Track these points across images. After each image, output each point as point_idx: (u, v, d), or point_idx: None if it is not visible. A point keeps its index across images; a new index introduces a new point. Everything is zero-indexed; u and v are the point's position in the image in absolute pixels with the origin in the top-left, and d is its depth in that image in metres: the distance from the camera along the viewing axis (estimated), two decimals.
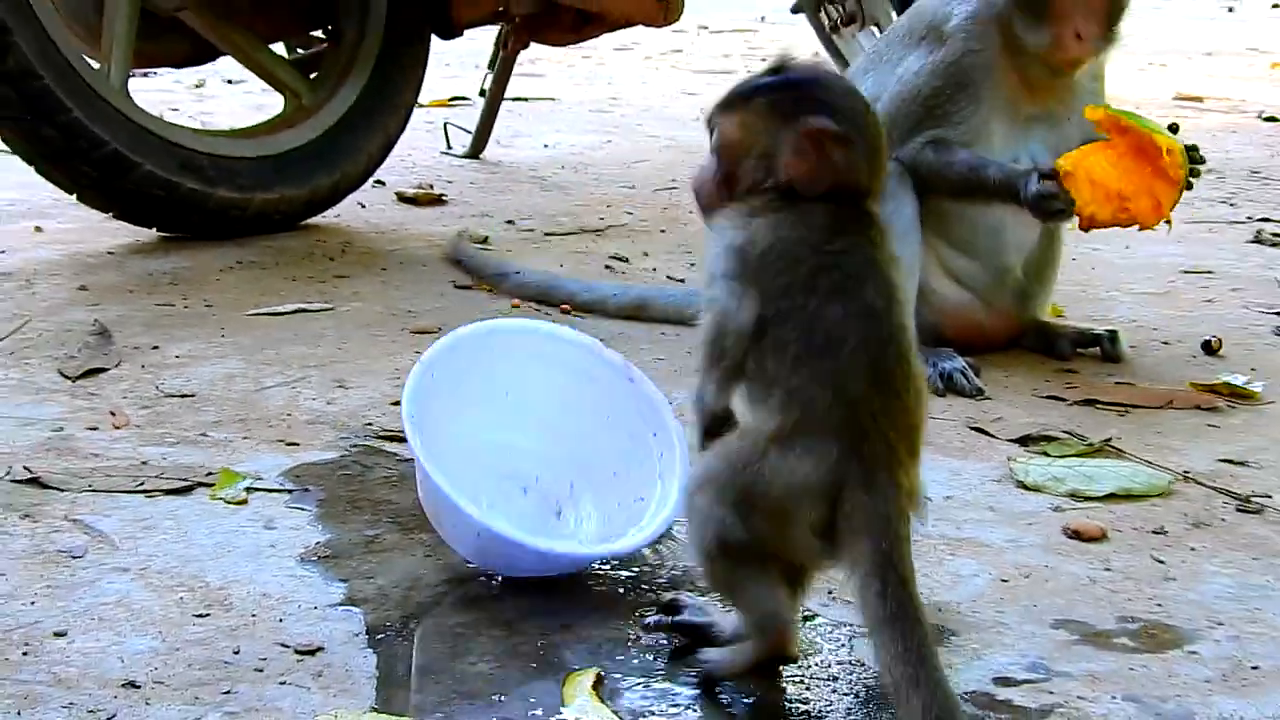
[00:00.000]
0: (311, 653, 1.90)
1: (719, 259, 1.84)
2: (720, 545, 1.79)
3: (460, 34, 4.66)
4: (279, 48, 4.59)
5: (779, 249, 1.81)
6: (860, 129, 1.85)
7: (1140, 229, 3.02)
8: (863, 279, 1.80)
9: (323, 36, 4.51)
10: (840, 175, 1.83)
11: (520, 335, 2.37)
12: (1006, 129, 3.14)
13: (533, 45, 5.38)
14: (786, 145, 1.82)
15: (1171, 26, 13.65)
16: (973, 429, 2.81)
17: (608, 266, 3.99)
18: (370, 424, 2.73)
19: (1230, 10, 17.05)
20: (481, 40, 5.72)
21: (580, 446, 2.31)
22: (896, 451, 1.75)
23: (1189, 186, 3.06)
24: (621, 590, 2.11)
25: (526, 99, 6.97)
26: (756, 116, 1.86)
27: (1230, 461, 2.67)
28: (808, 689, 1.85)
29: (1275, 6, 17.84)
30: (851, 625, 2.01)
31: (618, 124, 6.57)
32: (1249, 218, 4.87)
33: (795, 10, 6.12)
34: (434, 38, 4.54)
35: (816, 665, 1.91)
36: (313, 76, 4.38)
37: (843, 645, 1.97)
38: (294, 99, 4.30)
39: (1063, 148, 3.15)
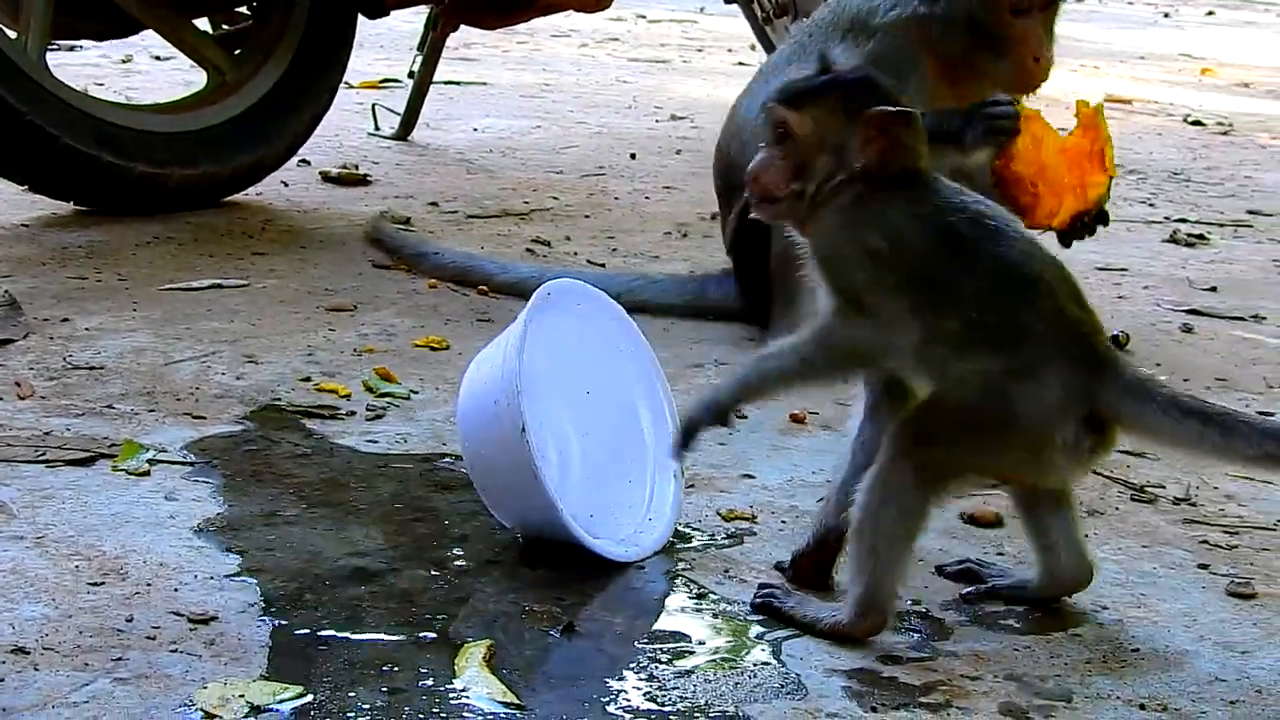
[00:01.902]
0: (205, 622, 1.91)
1: (850, 269, 2.01)
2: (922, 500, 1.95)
3: (386, 13, 4.65)
4: (203, 23, 4.57)
5: (912, 227, 1.99)
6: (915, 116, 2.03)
7: (1028, 221, 3.04)
8: (989, 219, 2.00)
9: (248, 13, 4.50)
10: (907, 157, 2.01)
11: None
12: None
13: (466, 29, 5.38)
14: (859, 135, 2.00)
15: (1106, 32, 13.79)
16: None
17: (529, 250, 4.01)
18: (278, 399, 2.73)
19: (1166, 16, 17.23)
20: (417, 22, 5.72)
21: (582, 402, 2.40)
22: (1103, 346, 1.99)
23: (1092, 231, 3.16)
24: (517, 566, 2.13)
25: (459, 83, 6.96)
26: (828, 111, 2.03)
27: (1128, 452, 2.71)
28: (707, 670, 1.88)
29: (1209, 14, 18.05)
30: (746, 604, 2.04)
31: (549, 110, 6.58)
32: (1166, 218, 4.94)
33: (729, 1, 6.15)
34: (362, 18, 4.53)
35: (718, 647, 1.94)
36: (237, 53, 4.36)
37: (739, 627, 1.99)
38: (217, 75, 4.28)
39: None
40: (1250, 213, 5.19)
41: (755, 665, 1.88)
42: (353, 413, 2.69)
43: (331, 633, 1.91)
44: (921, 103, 3.13)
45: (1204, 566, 2.24)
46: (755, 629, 1.98)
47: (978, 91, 3.12)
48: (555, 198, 4.72)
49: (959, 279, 1.95)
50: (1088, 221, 3.12)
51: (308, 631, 1.92)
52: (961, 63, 3.11)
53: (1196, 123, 7.55)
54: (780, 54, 3.43)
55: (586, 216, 4.49)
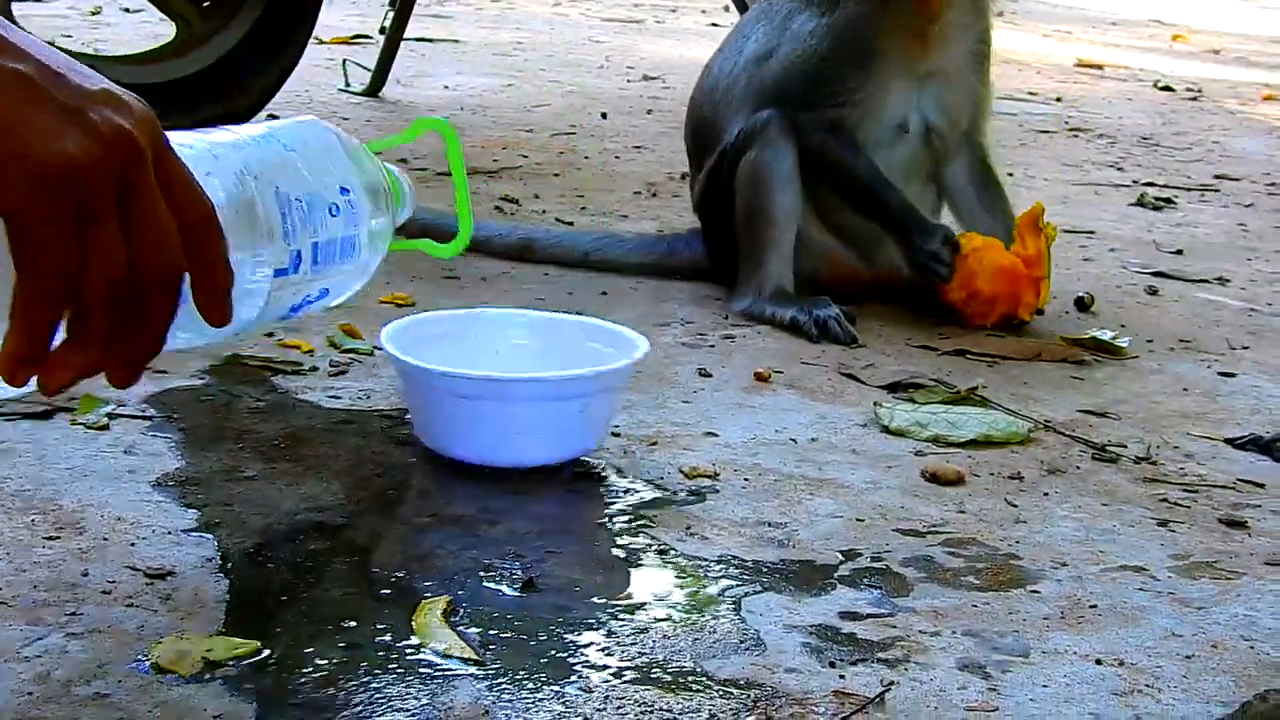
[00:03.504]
0: (162, 576, 1.89)
1: None
2: None
3: None
4: None
5: None
6: None
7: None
8: None
9: None
10: None
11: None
12: (902, 85, 3.16)
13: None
14: None
15: None
16: (844, 375, 2.84)
17: (497, 208, 3.98)
18: (241, 354, 2.71)
19: None
20: None
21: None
22: None
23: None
24: (478, 522, 2.11)
25: (431, 40, 6.93)
26: None
27: (1090, 412, 2.71)
28: (666, 626, 1.86)
29: None
30: (707, 561, 2.02)
31: (521, 68, 6.54)
32: (1134, 181, 4.94)
33: None
34: None
35: (678, 603, 1.92)
36: (205, 5, 4.32)
37: (700, 584, 1.98)
38: (185, 26, 4.24)
39: (952, 106, 3.19)
40: (1217, 177, 5.19)
41: (715, 621, 1.87)
42: (315, 368, 2.67)
43: (290, 588, 1.89)
44: (893, 68, 3.13)
45: (1163, 524, 2.24)
46: (716, 585, 1.96)
47: (912, 29, 3.10)
48: (525, 156, 4.70)
49: None
50: (1015, 324, 3.15)
51: (265, 586, 1.89)
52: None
53: (1166, 88, 7.56)
54: (751, 13, 3.41)
55: (556, 175, 4.46)
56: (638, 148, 4.95)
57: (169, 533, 2.01)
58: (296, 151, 1.63)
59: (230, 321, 1.41)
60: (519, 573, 1.96)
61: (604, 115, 5.50)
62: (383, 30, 5.51)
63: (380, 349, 2.34)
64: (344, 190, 1.66)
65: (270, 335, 2.80)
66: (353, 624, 1.81)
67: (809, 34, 3.16)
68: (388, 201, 1.81)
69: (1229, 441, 2.56)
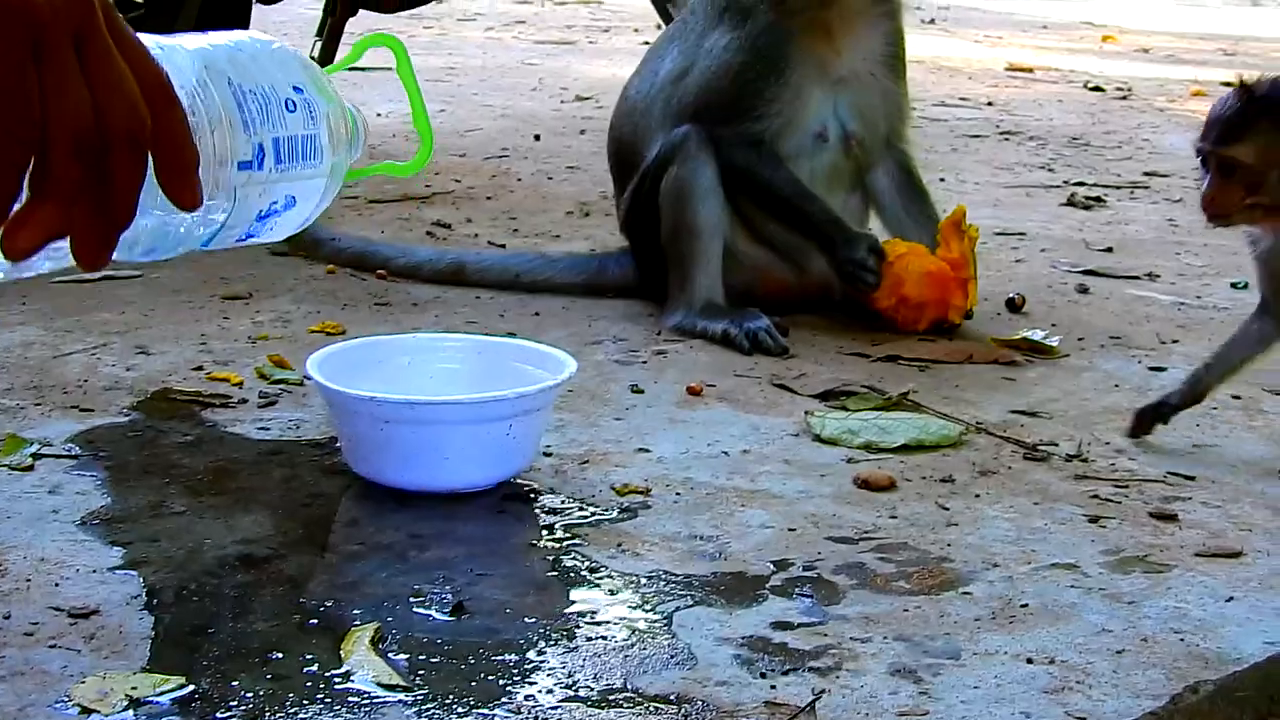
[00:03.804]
0: (85, 616, 1.86)
1: None
2: None
3: None
4: None
5: None
6: None
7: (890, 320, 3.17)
8: None
9: (140, 2, 4.42)
10: None
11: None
12: (817, 94, 3.16)
13: (369, 14, 5.31)
14: None
15: (1009, 2, 13.85)
16: (776, 385, 2.83)
17: (429, 233, 3.96)
18: (169, 388, 2.68)
19: None
20: (318, 8, 5.64)
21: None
22: None
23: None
24: (407, 549, 2.10)
25: (364, 68, 6.89)
26: (1266, 136, 2.27)
27: (1022, 412, 2.71)
28: (597, 644, 1.85)
29: None
30: (638, 577, 2.01)
31: (454, 94, 6.52)
32: (1065, 182, 4.95)
33: None
34: (259, 4, 4.47)
35: (609, 620, 1.91)
36: (138, 15, 4.29)
37: (631, 600, 1.97)
38: None
39: (869, 112, 3.20)
40: (1147, 174, 5.22)
41: (646, 637, 1.86)
42: (245, 400, 2.65)
43: (216, 622, 1.87)
44: (809, 76, 3.14)
45: (1094, 520, 2.24)
46: (647, 601, 1.95)
47: (844, 21, 3.13)
48: (458, 180, 4.68)
49: None
50: (946, 328, 3.17)
51: (191, 621, 1.87)
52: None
53: (1096, 88, 7.59)
54: (665, 34, 3.42)
55: (489, 198, 4.45)
56: (571, 168, 4.94)
57: (93, 571, 1.98)
58: (245, 51, 1.63)
59: (200, 203, 1.39)
60: (448, 597, 1.94)
61: (537, 137, 5.49)
62: (312, 60, 5.49)
63: (309, 378, 2.32)
64: (298, 89, 1.66)
65: (199, 369, 2.78)
66: (280, 655, 1.79)
67: (722, 49, 3.16)
68: (347, 129, 1.79)
69: (1159, 437, 2.56)
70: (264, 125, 1.56)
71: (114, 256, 1.47)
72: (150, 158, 1.25)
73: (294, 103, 1.61)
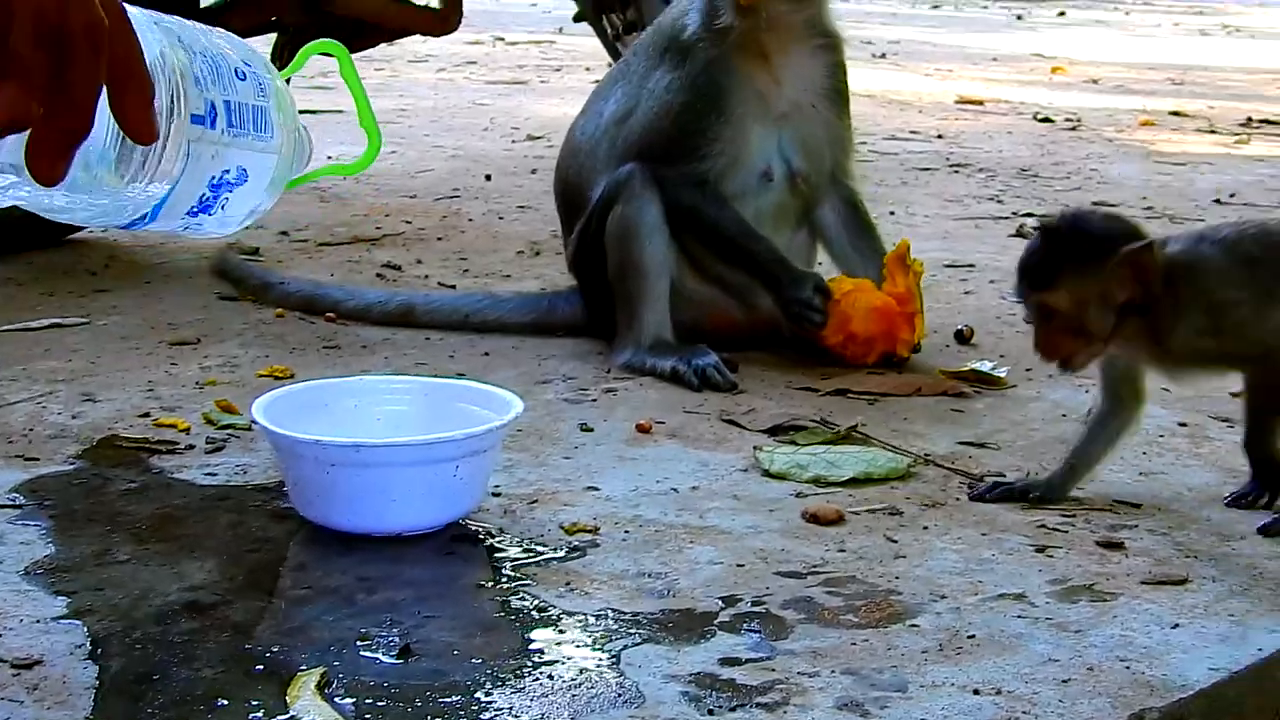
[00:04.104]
0: (29, 666, 1.85)
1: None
2: None
3: None
4: None
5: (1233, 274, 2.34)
6: (1141, 234, 2.33)
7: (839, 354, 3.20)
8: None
9: None
10: (1157, 277, 2.27)
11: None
12: (760, 131, 3.18)
13: (318, 57, 5.32)
14: (1115, 279, 2.26)
15: (960, 35, 13.96)
16: (725, 421, 2.84)
17: (379, 275, 3.97)
18: (116, 435, 2.67)
19: (1019, 18, 17.49)
20: (266, 51, 5.65)
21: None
22: None
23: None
24: (355, 592, 2.09)
25: (315, 111, 6.89)
26: (1075, 278, 2.27)
27: (970, 444, 2.73)
28: (545, 684, 1.85)
29: (1061, 14, 18.36)
30: (586, 615, 2.01)
31: (405, 135, 6.53)
32: (1014, 213, 4.99)
33: (577, 20, 6.15)
34: None
35: (557, 660, 1.91)
36: None
37: (579, 639, 1.97)
38: None
39: (813, 148, 3.22)
40: (1095, 204, 5.25)
41: (593, 676, 1.86)
42: (192, 446, 2.64)
43: (161, 670, 1.86)
44: (751, 113, 3.16)
45: (1041, 550, 2.25)
46: (595, 639, 1.95)
47: (777, 50, 3.16)
48: (408, 222, 4.68)
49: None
50: (896, 361, 3.19)
51: (136, 670, 1.86)
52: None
53: (1046, 120, 7.66)
54: (608, 76, 3.44)
55: (439, 239, 4.45)
56: (522, 207, 4.95)
57: (37, 621, 1.97)
58: (195, 26, 1.64)
59: (156, 136, 1.41)
60: (395, 640, 1.94)
61: (488, 177, 5.50)
62: None
63: (255, 423, 2.32)
64: (247, 64, 1.67)
65: (146, 416, 2.77)
66: (225, 703, 1.79)
67: (664, 89, 3.18)
68: (296, 116, 1.80)
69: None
70: (215, 85, 1.59)
71: (72, 220, 1.50)
72: (106, 91, 1.29)
73: (244, 73, 1.64)
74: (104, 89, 1.29)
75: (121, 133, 1.37)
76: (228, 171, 1.63)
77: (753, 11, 3.10)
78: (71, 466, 2.53)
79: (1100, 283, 2.27)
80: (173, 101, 1.51)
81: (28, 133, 1.27)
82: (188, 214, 1.62)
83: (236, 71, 1.65)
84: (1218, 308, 2.33)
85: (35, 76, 1.23)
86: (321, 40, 1.96)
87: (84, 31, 1.26)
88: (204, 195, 1.62)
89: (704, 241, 3.18)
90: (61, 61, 1.25)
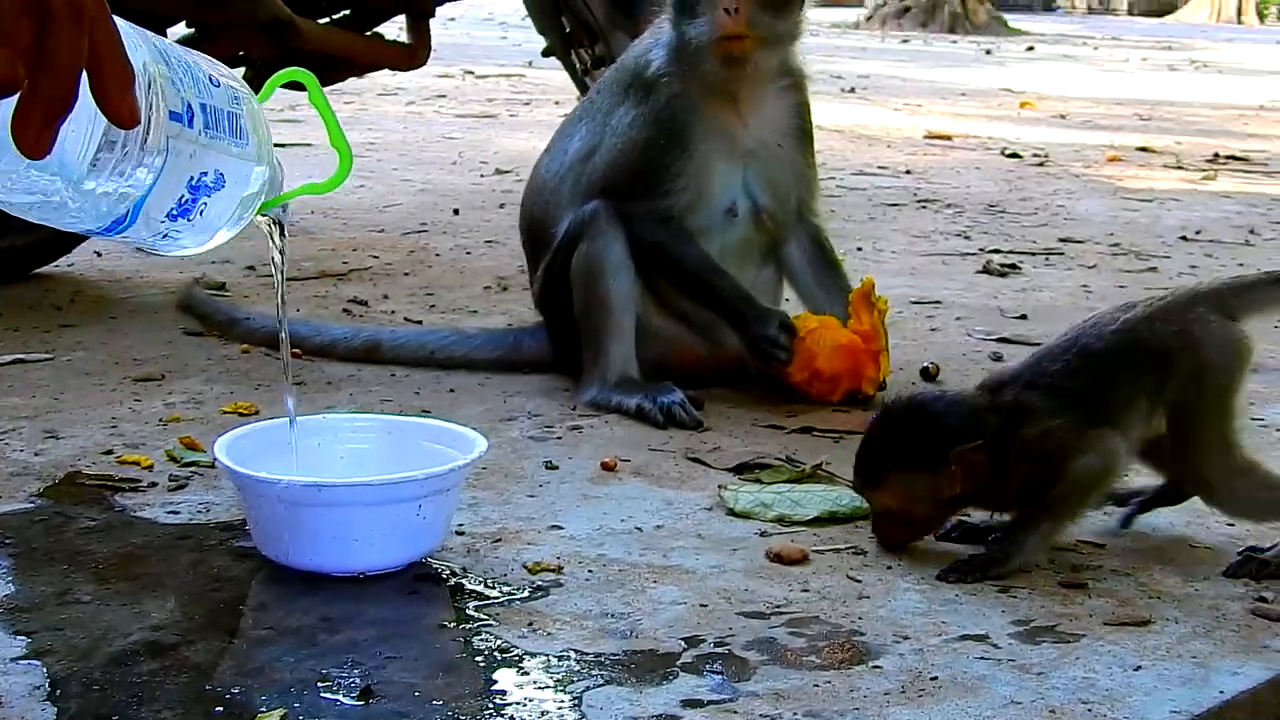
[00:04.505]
0: None
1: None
2: None
3: None
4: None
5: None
6: (976, 425, 2.30)
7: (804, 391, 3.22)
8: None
9: None
10: (987, 470, 2.28)
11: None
12: (725, 167, 3.20)
13: (286, 91, 5.33)
14: (946, 477, 2.28)
15: (930, 70, 14.05)
16: (690, 459, 2.84)
17: (346, 310, 3.97)
18: (78, 473, 2.66)
19: (988, 53, 17.63)
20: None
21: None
22: None
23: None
24: (316, 632, 2.09)
25: (283, 145, 6.89)
26: (908, 475, 2.31)
27: None
28: None
29: (1029, 50, 18.48)
30: (549, 656, 2.01)
31: (373, 169, 6.55)
32: (981, 249, 5.02)
33: (546, 54, 6.16)
34: None
35: (519, 701, 1.91)
36: None
37: (541, 680, 1.96)
38: None
39: (778, 185, 3.24)
40: (1062, 240, 5.30)
41: (555, 718, 1.85)
42: (155, 484, 2.63)
43: (121, 711, 1.85)
44: (715, 149, 3.17)
45: (1004, 590, 2.26)
46: (557, 681, 1.95)
47: (746, 93, 3.19)
48: (375, 256, 4.69)
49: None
50: (861, 399, 3.21)
51: (96, 712, 1.85)
52: (689, 48, 3.15)
53: (1014, 155, 7.72)
54: (573, 114, 3.45)
55: (407, 274, 4.46)
56: (490, 242, 4.96)
57: None
58: (165, 39, 1.67)
59: (138, 119, 1.44)
60: (357, 681, 1.93)
61: (456, 211, 5.51)
62: None
63: (218, 461, 2.31)
64: (221, 75, 1.69)
65: (109, 453, 2.76)
66: None
67: (628, 125, 3.20)
68: (267, 127, 1.81)
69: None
70: (190, 88, 1.62)
71: (57, 222, 1.53)
72: (86, 74, 1.34)
73: (218, 80, 1.67)
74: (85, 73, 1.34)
75: (105, 121, 1.41)
76: (205, 174, 1.65)
77: (739, 62, 3.11)
78: (33, 504, 2.52)
79: (929, 482, 2.30)
80: (151, 94, 1.54)
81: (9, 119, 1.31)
82: (167, 217, 1.63)
83: (210, 79, 1.68)
84: (1048, 452, 2.31)
85: (19, 43, 1.28)
86: (290, 69, 1.98)
87: (68, 11, 1.31)
88: (182, 197, 1.64)
89: (669, 278, 3.20)
90: (45, 32, 1.29)
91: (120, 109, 1.39)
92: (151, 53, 1.57)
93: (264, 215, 1.94)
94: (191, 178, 1.64)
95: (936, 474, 2.29)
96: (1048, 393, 2.36)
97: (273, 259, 2.13)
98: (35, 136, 1.32)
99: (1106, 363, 2.37)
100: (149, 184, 1.56)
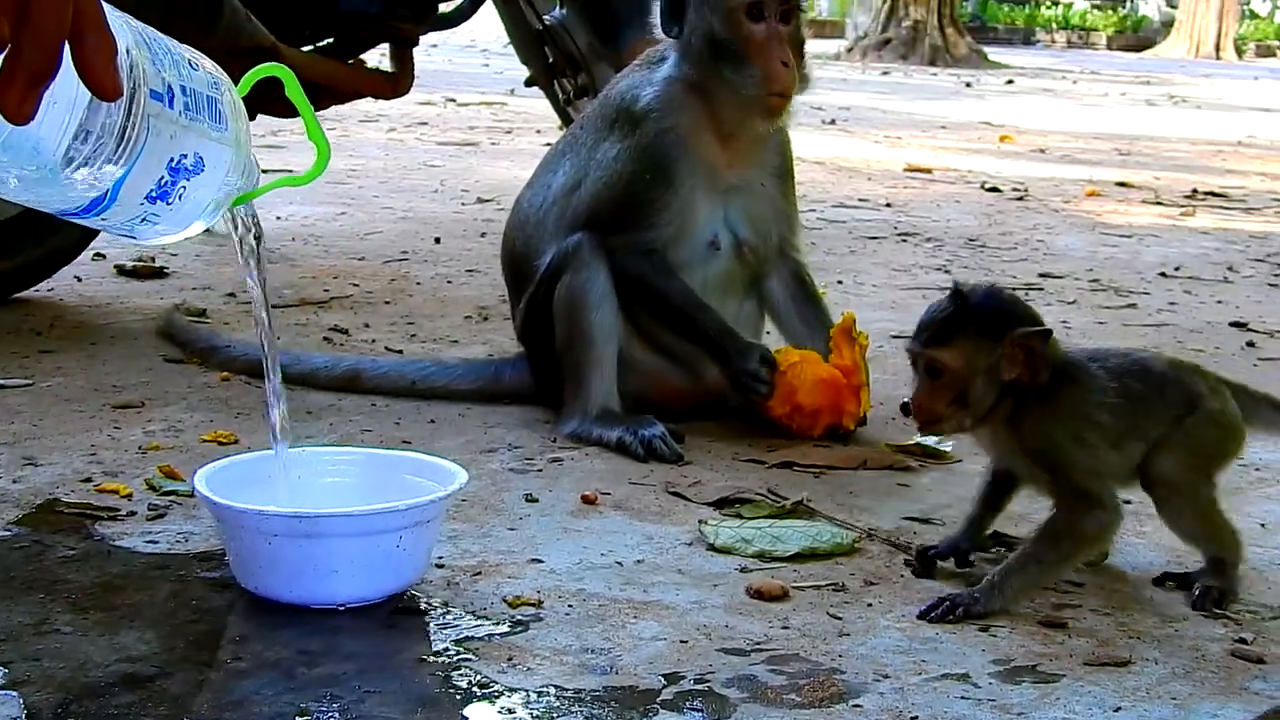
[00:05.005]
0: None
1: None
2: None
3: None
4: None
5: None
6: (1042, 322, 2.36)
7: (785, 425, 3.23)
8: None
9: None
10: (1047, 366, 2.33)
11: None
12: (707, 202, 3.21)
13: (268, 117, 5.32)
14: (1006, 355, 2.31)
15: (910, 103, 14.10)
16: (671, 493, 2.84)
17: (326, 339, 3.96)
18: (56, 500, 2.65)
19: (968, 86, 17.71)
20: None
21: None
22: None
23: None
24: (295, 665, 2.08)
25: (264, 170, 6.89)
26: (973, 342, 2.32)
27: (915, 519, 2.74)
28: None
29: (1009, 83, 18.56)
30: (528, 692, 2.00)
31: (354, 196, 6.54)
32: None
33: (529, 83, 6.17)
34: None
35: None
36: None
37: (522, 715, 1.96)
38: None
39: (759, 220, 3.25)
40: (1041, 275, 5.32)
41: None
42: (134, 513, 2.62)
43: None
44: (699, 184, 3.19)
45: (985, 629, 2.26)
46: (536, 717, 1.94)
47: (742, 134, 3.16)
48: (356, 285, 4.68)
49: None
50: (841, 433, 3.22)
51: None
52: (722, 92, 3.14)
53: (993, 189, 7.75)
54: (556, 148, 3.45)
55: (387, 303, 4.45)
56: (471, 271, 4.96)
57: None
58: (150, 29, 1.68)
59: (121, 91, 1.46)
60: (336, 716, 1.92)
61: (437, 240, 5.51)
62: None
63: (197, 493, 2.30)
64: (199, 61, 1.71)
65: (88, 481, 2.75)
66: None
67: (613, 159, 3.21)
68: (246, 119, 1.82)
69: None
70: (170, 69, 1.64)
71: (38, 203, 1.56)
72: (69, 45, 1.37)
73: (197, 65, 1.68)
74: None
75: (88, 96, 1.44)
76: (185, 156, 1.66)
77: (779, 114, 3.15)
78: (10, 533, 2.51)
79: (993, 355, 2.33)
80: (134, 73, 1.55)
81: None
82: (146, 199, 1.64)
83: (190, 63, 1.69)
84: (1083, 421, 2.37)
85: (3, 5, 1.31)
86: (267, 65, 1.98)
87: None
88: (162, 179, 1.65)
89: (652, 311, 3.20)
90: (24, 9, 1.32)
91: (103, 80, 1.41)
92: (133, 34, 1.59)
93: (236, 209, 1.96)
94: (171, 159, 1.65)
95: (1002, 349, 2.31)
96: (1107, 371, 2.42)
97: (250, 290, 2.12)
98: (19, 100, 1.34)
99: (1157, 387, 2.44)
100: (128, 166, 1.57)
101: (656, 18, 3.23)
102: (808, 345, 3.27)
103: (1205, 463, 2.44)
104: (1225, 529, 2.46)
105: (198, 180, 1.69)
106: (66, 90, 1.43)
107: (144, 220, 1.68)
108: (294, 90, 1.99)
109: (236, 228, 2.04)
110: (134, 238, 1.74)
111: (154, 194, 1.65)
